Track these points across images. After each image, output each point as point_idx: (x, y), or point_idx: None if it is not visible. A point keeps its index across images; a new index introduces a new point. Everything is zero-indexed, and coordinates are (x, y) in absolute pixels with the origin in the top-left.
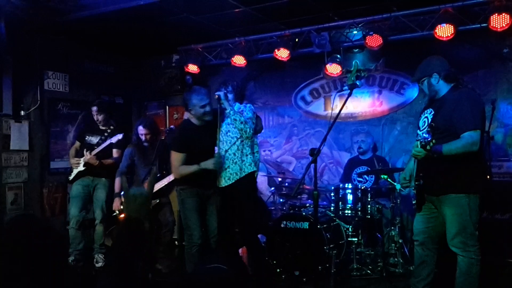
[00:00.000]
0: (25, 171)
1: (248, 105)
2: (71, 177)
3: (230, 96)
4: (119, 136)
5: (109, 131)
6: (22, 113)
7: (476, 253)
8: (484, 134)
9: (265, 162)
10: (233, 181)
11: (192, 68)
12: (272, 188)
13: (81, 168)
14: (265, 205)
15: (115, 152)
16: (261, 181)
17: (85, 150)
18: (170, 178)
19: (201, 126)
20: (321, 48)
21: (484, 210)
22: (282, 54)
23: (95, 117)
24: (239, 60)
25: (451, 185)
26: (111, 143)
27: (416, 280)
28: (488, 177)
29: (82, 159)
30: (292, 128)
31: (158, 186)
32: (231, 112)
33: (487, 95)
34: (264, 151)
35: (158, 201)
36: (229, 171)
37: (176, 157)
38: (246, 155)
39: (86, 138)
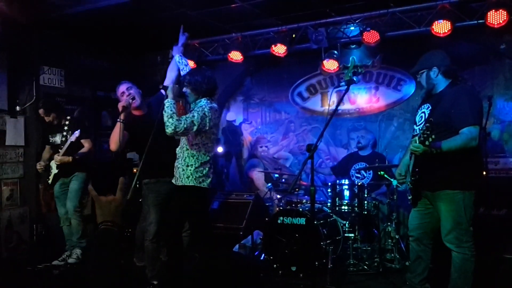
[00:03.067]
0: (21, 167)
1: (207, 107)
2: (50, 182)
3: (186, 91)
4: (76, 134)
5: (67, 123)
6: (18, 108)
7: (470, 249)
8: (481, 130)
9: (262, 158)
10: (173, 184)
11: (189, 63)
12: (269, 184)
13: (55, 171)
14: (262, 202)
15: (84, 142)
16: (258, 177)
17: (53, 153)
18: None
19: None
20: (318, 44)
21: (480, 206)
22: (279, 50)
23: (46, 119)
24: (235, 56)
25: (447, 181)
26: (72, 142)
27: (412, 276)
28: (484, 173)
29: (52, 162)
30: (289, 124)
31: None
32: (167, 101)
33: (483, 92)
34: (261, 147)
35: None
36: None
37: None
38: (187, 166)
39: (50, 140)
